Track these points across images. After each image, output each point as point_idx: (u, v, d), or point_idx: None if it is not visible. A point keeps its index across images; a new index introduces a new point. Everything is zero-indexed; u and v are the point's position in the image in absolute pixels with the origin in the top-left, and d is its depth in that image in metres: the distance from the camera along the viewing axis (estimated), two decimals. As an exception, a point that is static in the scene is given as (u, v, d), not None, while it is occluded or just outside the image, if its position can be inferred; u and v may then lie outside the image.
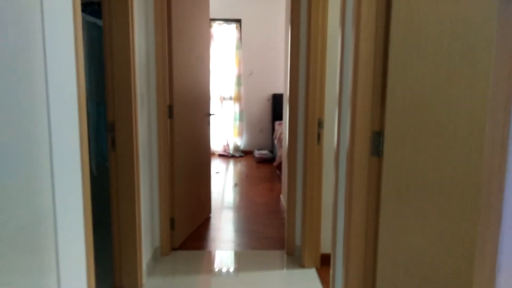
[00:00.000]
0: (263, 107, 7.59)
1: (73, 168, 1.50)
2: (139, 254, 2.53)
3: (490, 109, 0.68)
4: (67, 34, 1.45)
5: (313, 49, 2.71)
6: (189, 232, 3.51)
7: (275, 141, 6.43)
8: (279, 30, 7.33)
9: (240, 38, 7.32)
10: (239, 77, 7.35)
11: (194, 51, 3.49)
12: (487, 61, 1.36)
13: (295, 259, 3.04)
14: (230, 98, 7.49)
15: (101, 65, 3.12)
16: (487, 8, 1.34)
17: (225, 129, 7.53)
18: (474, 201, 1.42)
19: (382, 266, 1.48)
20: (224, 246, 3.30)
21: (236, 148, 7.53)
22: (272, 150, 7.33)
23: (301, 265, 2.94)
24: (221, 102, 7.48)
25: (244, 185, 5.28)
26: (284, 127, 4.26)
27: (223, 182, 5.48)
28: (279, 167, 5.52)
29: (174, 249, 3.20)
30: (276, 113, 7.38)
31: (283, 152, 4.57)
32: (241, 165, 6.68)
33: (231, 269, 2.89)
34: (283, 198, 4.38)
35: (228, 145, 7.54)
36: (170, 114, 3.07)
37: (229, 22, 7.32)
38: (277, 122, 6.87)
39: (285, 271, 2.87)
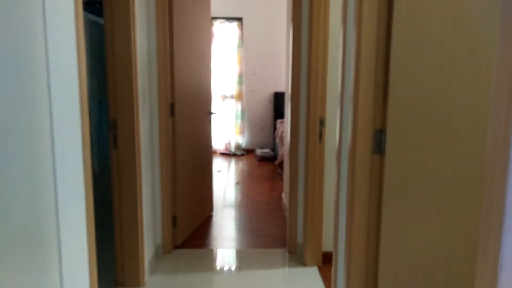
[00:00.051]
0: (265, 106, 7.59)
1: (75, 166, 1.50)
2: (141, 252, 2.53)
3: (493, 107, 0.68)
4: (69, 33, 1.45)
5: (314, 47, 2.71)
6: (191, 230, 3.52)
7: (277, 140, 6.43)
8: (280, 29, 7.32)
9: (242, 36, 7.31)
10: (240, 76, 7.35)
11: (196, 50, 3.49)
12: (489, 58, 1.35)
13: (296, 257, 3.04)
14: (232, 97, 7.49)
15: (102, 63, 3.12)
16: (489, 5, 1.33)
17: (226, 127, 7.53)
18: (476, 199, 1.42)
19: (384, 264, 1.49)
20: (225, 244, 3.31)
21: (238, 147, 7.53)
22: (273, 148, 7.33)
23: (303, 263, 2.94)
24: (223, 101, 7.48)
25: (246, 184, 5.28)
26: (285, 126, 4.26)
27: (225, 180, 5.49)
28: (280, 165, 5.52)
29: (176, 247, 3.21)
30: (277, 112, 7.38)
31: (284, 150, 4.57)
32: (242, 163, 6.68)
33: (233, 267, 2.90)
34: (284, 196, 4.38)
35: (229, 143, 7.55)
36: (172, 113, 3.07)
37: (231, 21, 7.31)
38: (278, 121, 6.87)
39: (286, 269, 2.87)
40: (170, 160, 3.04)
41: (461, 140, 1.39)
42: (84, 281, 1.59)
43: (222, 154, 7.50)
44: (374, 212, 1.52)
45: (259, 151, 7.03)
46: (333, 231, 1.86)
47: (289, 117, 3.08)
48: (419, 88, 1.38)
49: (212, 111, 3.96)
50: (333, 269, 1.89)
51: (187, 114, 3.34)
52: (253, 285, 2.63)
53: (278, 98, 7.37)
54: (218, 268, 2.89)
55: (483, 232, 0.71)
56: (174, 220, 3.16)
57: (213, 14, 7.06)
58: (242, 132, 7.54)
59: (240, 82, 7.37)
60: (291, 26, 2.92)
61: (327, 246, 2.93)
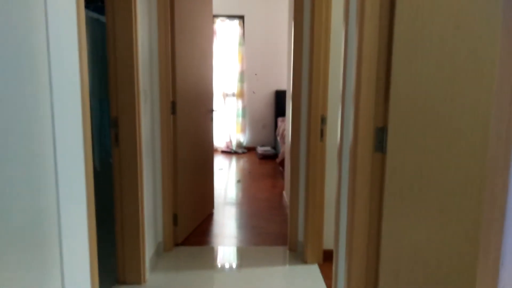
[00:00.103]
0: (266, 104, 7.59)
1: (76, 164, 1.50)
2: (142, 249, 2.54)
3: (495, 104, 0.68)
4: (71, 31, 1.45)
5: (316, 45, 2.71)
6: (192, 227, 3.52)
7: (278, 138, 6.43)
8: (282, 27, 7.31)
9: (243, 34, 7.31)
10: (242, 74, 7.34)
11: (197, 48, 3.49)
12: (491, 57, 1.35)
13: (297, 255, 3.05)
14: (233, 95, 7.49)
15: (104, 61, 3.12)
16: (491, 4, 1.33)
17: (228, 125, 7.53)
18: (478, 197, 1.42)
19: (385, 262, 1.49)
20: (226, 242, 3.31)
21: (239, 145, 7.53)
22: (275, 146, 7.33)
23: (304, 261, 2.94)
24: (224, 99, 7.48)
25: (247, 181, 5.29)
26: (287, 124, 4.26)
27: (226, 178, 5.49)
28: (281, 163, 5.53)
29: (177, 244, 3.21)
30: (279, 110, 7.37)
31: (286, 148, 4.57)
32: (243, 161, 6.68)
33: (234, 265, 2.90)
34: (285, 194, 4.39)
35: (231, 141, 7.55)
36: (173, 110, 3.07)
37: (232, 19, 7.31)
38: (280, 119, 6.86)
39: (287, 267, 2.88)
40: (171, 158, 3.05)
41: (462, 139, 1.39)
42: (85, 278, 1.59)
43: (223, 152, 7.50)
44: (375, 210, 1.52)
45: (260, 149, 7.03)
46: (334, 229, 1.87)
47: (290, 115, 3.08)
48: (421, 86, 1.37)
49: (214, 109, 3.95)
50: (333, 267, 1.89)
51: (189, 112, 3.35)
52: (253, 283, 2.64)
53: (280, 96, 7.36)
54: (219, 265, 2.89)
55: (484, 230, 0.71)
56: (175, 217, 3.16)
57: (214, 12, 7.05)
58: (243, 130, 7.54)
59: (242, 80, 7.36)
60: (292, 24, 2.92)
61: (328, 244, 2.93)
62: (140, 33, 2.46)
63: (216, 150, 7.52)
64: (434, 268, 1.47)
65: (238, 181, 5.30)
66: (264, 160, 6.77)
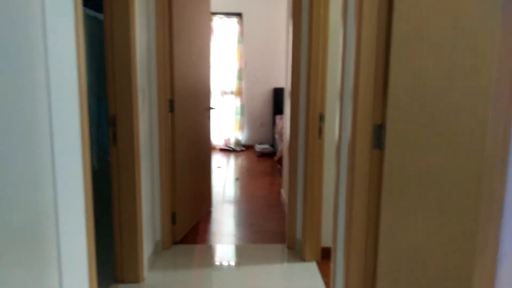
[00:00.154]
0: (264, 101, 7.58)
1: (74, 162, 1.50)
2: (140, 248, 2.54)
3: (493, 102, 0.68)
4: (68, 28, 1.44)
5: (314, 43, 2.70)
6: (190, 226, 3.52)
7: (276, 135, 6.43)
8: (280, 24, 7.30)
9: (241, 32, 7.29)
10: (240, 71, 7.33)
11: (195, 45, 3.48)
12: (490, 54, 1.35)
13: (295, 253, 3.05)
14: (231, 92, 7.48)
15: (101, 59, 3.11)
16: (489, 2, 1.33)
17: (226, 123, 7.53)
18: (476, 194, 1.42)
19: (383, 259, 1.49)
20: (225, 240, 3.32)
21: (237, 142, 7.53)
22: (273, 144, 7.33)
23: (302, 258, 2.95)
24: (222, 96, 7.48)
25: (245, 179, 5.29)
26: (285, 121, 4.26)
27: (224, 176, 5.49)
28: (280, 161, 5.53)
29: (175, 243, 3.21)
30: (277, 107, 7.37)
31: (284, 146, 4.57)
32: (242, 159, 6.68)
33: (232, 263, 2.91)
34: (283, 192, 4.39)
35: (229, 139, 7.54)
36: (171, 109, 3.06)
37: (230, 16, 7.29)
38: (278, 116, 6.86)
39: (285, 264, 2.88)
40: (170, 156, 3.04)
41: (461, 136, 1.39)
42: (83, 277, 1.59)
43: (222, 150, 7.50)
44: (373, 208, 1.53)
45: (258, 147, 7.03)
46: (332, 226, 1.87)
47: (288, 112, 3.08)
48: (419, 84, 1.37)
49: (212, 107, 3.95)
50: (332, 265, 1.89)
51: (187, 110, 3.34)
52: (252, 281, 2.64)
53: (278, 94, 7.36)
54: (217, 263, 2.90)
55: (482, 227, 0.71)
56: (173, 216, 3.16)
57: (212, 10, 7.03)
58: (241, 128, 7.54)
59: (240, 78, 7.35)
60: (291, 21, 2.92)
61: (326, 241, 2.94)
62: (138, 31, 2.45)
63: (214, 148, 7.51)
64: (432, 265, 1.47)
65: (236, 179, 5.30)
66: (262, 158, 6.77)
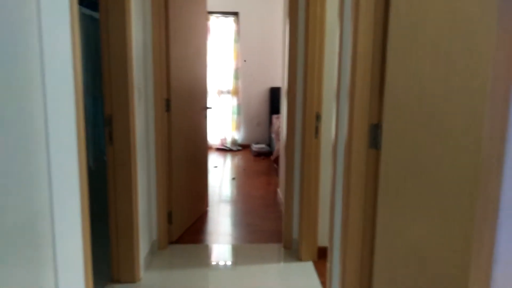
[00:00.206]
0: (261, 101, 7.58)
1: (70, 162, 1.49)
2: (136, 248, 2.53)
3: (489, 101, 0.68)
4: (64, 27, 1.43)
5: (311, 42, 2.70)
6: (187, 225, 3.52)
7: (273, 135, 6.43)
8: (277, 23, 7.30)
9: (238, 31, 7.29)
10: (236, 71, 7.33)
11: (192, 45, 3.48)
12: (486, 53, 1.35)
13: (292, 252, 3.05)
14: (228, 92, 7.47)
15: (97, 58, 3.10)
16: (487, 1, 1.33)
17: (222, 122, 7.52)
18: (472, 194, 1.42)
19: (379, 259, 1.49)
20: (221, 240, 3.31)
21: (234, 142, 7.53)
22: (269, 143, 7.33)
23: (298, 258, 2.95)
24: (219, 96, 7.47)
25: (242, 179, 5.29)
26: (281, 121, 4.26)
27: (221, 175, 5.48)
28: (276, 160, 5.53)
29: (171, 242, 3.21)
30: (273, 107, 7.37)
31: (280, 145, 4.57)
32: (238, 158, 6.68)
33: (229, 263, 2.90)
34: (280, 191, 4.39)
35: (225, 138, 7.54)
36: (168, 108, 3.05)
37: (227, 15, 7.28)
38: (274, 116, 6.86)
39: (282, 264, 2.88)
40: (166, 155, 3.04)
41: (457, 135, 1.40)
42: (79, 277, 1.58)
43: (218, 149, 7.49)
44: (369, 207, 1.53)
45: (255, 147, 7.03)
46: (329, 226, 1.87)
47: (285, 112, 3.08)
48: (416, 83, 1.38)
49: (208, 106, 3.95)
50: (328, 264, 1.89)
51: (183, 110, 3.33)
52: (248, 280, 2.64)
53: (274, 93, 7.36)
54: (213, 263, 2.89)
55: (478, 227, 0.71)
56: (169, 215, 3.16)
57: (209, 9, 7.02)
58: (238, 128, 7.53)
59: (236, 77, 7.35)
60: (287, 20, 2.91)
61: (322, 241, 2.94)
62: (134, 30, 2.44)
63: (210, 148, 7.50)
64: (429, 264, 1.47)
65: (233, 179, 5.30)
66: (258, 157, 6.77)
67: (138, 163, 2.58)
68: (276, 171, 5.66)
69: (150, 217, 2.91)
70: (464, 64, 1.36)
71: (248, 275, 2.70)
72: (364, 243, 1.56)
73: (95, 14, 3.03)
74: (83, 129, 1.57)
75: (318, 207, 2.90)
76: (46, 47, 1.31)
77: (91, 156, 3.10)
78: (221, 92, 7.47)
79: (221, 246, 3.20)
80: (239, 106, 7.45)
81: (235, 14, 7.27)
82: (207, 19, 3.88)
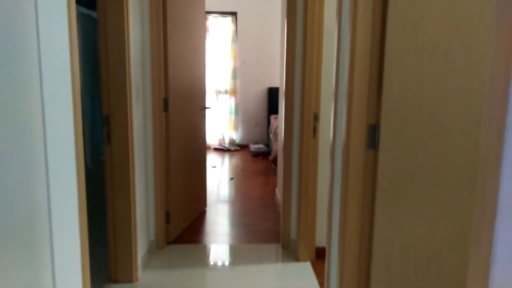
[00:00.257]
0: (259, 101, 7.58)
1: (67, 162, 1.49)
2: (134, 248, 2.53)
3: (487, 101, 0.68)
4: (62, 26, 1.43)
5: (309, 42, 2.70)
6: (185, 225, 3.51)
7: (271, 135, 6.43)
8: (275, 23, 7.30)
9: (236, 31, 7.28)
10: (234, 71, 7.33)
11: (190, 44, 3.47)
12: (484, 53, 1.36)
13: (290, 253, 3.05)
14: (226, 92, 7.47)
15: (95, 58, 3.10)
16: (485, 0, 1.33)
17: (220, 122, 7.51)
18: (469, 194, 1.43)
19: (377, 259, 1.49)
20: (219, 240, 3.31)
21: (232, 142, 7.52)
22: (267, 144, 7.33)
23: (296, 258, 2.95)
24: (217, 96, 7.46)
25: (240, 179, 5.28)
26: (280, 121, 4.26)
27: (219, 175, 5.48)
28: (274, 161, 5.53)
29: (169, 242, 3.20)
30: (271, 107, 7.37)
31: (278, 146, 4.57)
32: (236, 159, 6.68)
33: (226, 263, 2.90)
34: (278, 191, 4.39)
35: (223, 138, 7.53)
36: (166, 108, 3.05)
37: (225, 15, 7.28)
38: (272, 116, 6.86)
39: (280, 264, 2.88)
40: (164, 155, 3.03)
41: (455, 136, 1.40)
42: (77, 277, 1.58)
43: (216, 149, 7.49)
44: (367, 207, 1.53)
45: (253, 147, 7.02)
46: (327, 226, 1.87)
47: (283, 112, 3.08)
48: (414, 83, 1.38)
49: (206, 106, 3.94)
50: (326, 265, 1.89)
51: (181, 109, 3.33)
52: (246, 281, 2.64)
53: (272, 93, 7.36)
54: (211, 263, 2.89)
55: (476, 227, 0.71)
56: (167, 215, 3.15)
57: (207, 9, 7.01)
58: (236, 128, 7.53)
59: (234, 77, 7.35)
60: (285, 20, 2.91)
61: (320, 241, 2.94)
62: (132, 29, 2.44)
63: (208, 148, 7.50)
64: (427, 265, 1.48)
65: (231, 179, 5.29)
66: (256, 157, 6.77)
67: (136, 163, 2.57)
68: (274, 171, 5.66)
69: (148, 217, 2.91)
70: (463, 64, 1.36)
71: (246, 275, 2.70)
72: (362, 243, 1.56)
73: (93, 13, 3.02)
74: (80, 129, 1.56)
75: (316, 207, 2.90)
76: (44, 47, 1.31)
77: (88, 155, 3.09)
78: (219, 92, 7.46)
79: (219, 246, 3.20)
80: (237, 106, 7.45)
81: (233, 14, 7.27)
82: (205, 19, 3.88)
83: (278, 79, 7.39)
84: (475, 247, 0.71)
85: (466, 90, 1.37)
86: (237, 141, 7.60)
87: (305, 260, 2.93)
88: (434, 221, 1.44)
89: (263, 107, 7.60)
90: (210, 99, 7.42)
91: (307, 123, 2.79)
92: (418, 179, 1.43)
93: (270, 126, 6.70)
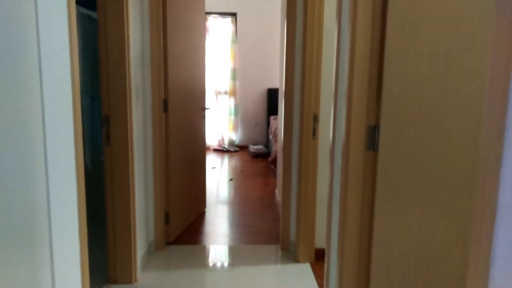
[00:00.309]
0: (258, 102, 7.58)
1: (67, 162, 1.49)
2: (133, 248, 2.52)
3: (487, 101, 0.68)
4: (61, 27, 1.43)
5: (309, 43, 2.70)
6: (184, 226, 3.51)
7: (270, 136, 6.43)
8: (275, 24, 7.30)
9: (236, 32, 7.29)
10: (234, 71, 7.33)
11: (190, 45, 3.47)
12: (484, 53, 1.36)
13: (289, 254, 3.05)
14: (225, 92, 7.47)
15: (95, 58, 3.10)
16: (485, 0, 1.34)
17: (220, 123, 7.51)
18: (469, 194, 1.43)
19: (377, 260, 1.49)
20: (218, 241, 3.31)
21: (231, 143, 7.52)
22: (267, 145, 7.33)
23: (296, 259, 2.94)
24: (216, 97, 7.46)
25: (239, 180, 5.28)
26: (279, 122, 4.26)
27: (218, 176, 5.48)
28: (274, 162, 5.53)
29: (168, 243, 3.20)
30: (271, 108, 7.37)
31: (278, 146, 4.57)
32: (236, 159, 6.67)
33: (226, 264, 2.90)
34: (277, 192, 4.39)
35: (223, 139, 7.53)
36: (165, 108, 3.05)
37: (225, 16, 7.28)
38: (272, 117, 6.86)
39: (279, 265, 2.88)
40: (163, 156, 3.03)
41: (454, 137, 1.40)
42: (76, 278, 1.58)
43: (216, 150, 7.48)
44: (367, 208, 1.53)
45: (252, 148, 7.02)
46: (326, 227, 1.87)
47: (282, 113, 3.08)
48: (413, 84, 1.38)
49: (206, 107, 3.94)
50: (325, 266, 1.89)
51: (181, 110, 3.33)
52: (245, 282, 2.63)
53: (272, 94, 7.36)
54: (210, 264, 2.89)
55: (476, 227, 0.71)
56: (167, 216, 3.15)
57: (207, 9, 7.01)
58: (235, 128, 7.53)
59: (234, 78, 7.34)
60: (285, 21, 2.92)
61: (320, 242, 2.94)
62: (132, 30, 2.44)
63: (208, 149, 7.49)
64: (426, 265, 1.47)
65: (230, 180, 5.29)
66: (256, 158, 6.77)
67: (136, 163, 2.57)
68: (273, 172, 5.66)
69: (147, 217, 2.91)
70: (463, 64, 1.36)
71: (245, 276, 2.70)
72: (361, 244, 1.56)
73: (93, 14, 3.02)
74: (80, 129, 1.56)
75: (315, 209, 2.90)
76: (44, 47, 1.31)
77: (88, 156, 3.09)
78: (218, 93, 7.46)
79: (218, 247, 3.20)
80: (236, 107, 7.45)
81: (233, 14, 7.27)
82: (205, 20, 3.88)
83: (277, 80, 7.39)
84: (475, 247, 0.71)
85: (466, 90, 1.37)
86: (236, 142, 7.60)
87: (304, 262, 2.93)
88: (434, 221, 1.44)
89: (262, 108, 7.60)
90: (209, 100, 7.42)
91: (306, 124, 2.79)
92: (418, 179, 1.42)
93: (270, 127, 6.70)
